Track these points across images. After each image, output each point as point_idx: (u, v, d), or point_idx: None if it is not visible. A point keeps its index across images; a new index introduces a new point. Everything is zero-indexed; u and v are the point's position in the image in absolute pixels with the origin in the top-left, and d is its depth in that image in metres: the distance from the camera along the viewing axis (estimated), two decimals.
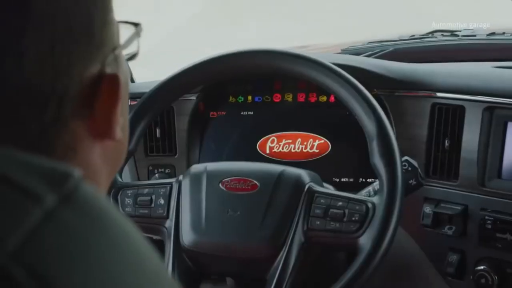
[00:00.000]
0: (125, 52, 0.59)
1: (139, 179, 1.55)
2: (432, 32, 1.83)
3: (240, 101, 1.55)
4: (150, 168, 1.56)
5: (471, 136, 1.31)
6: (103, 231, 0.42)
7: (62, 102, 0.49)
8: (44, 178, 0.41)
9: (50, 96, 0.48)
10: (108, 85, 0.53)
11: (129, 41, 0.59)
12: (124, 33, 0.59)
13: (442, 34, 1.80)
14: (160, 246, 1.24)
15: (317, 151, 1.48)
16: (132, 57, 0.61)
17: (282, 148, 1.50)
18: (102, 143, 0.54)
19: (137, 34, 0.60)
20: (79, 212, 0.41)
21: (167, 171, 1.55)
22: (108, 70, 0.53)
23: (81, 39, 0.50)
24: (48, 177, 0.42)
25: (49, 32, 0.48)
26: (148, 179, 1.55)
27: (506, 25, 1.13)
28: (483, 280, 1.29)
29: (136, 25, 0.60)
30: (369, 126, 1.16)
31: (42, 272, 0.37)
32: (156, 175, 1.55)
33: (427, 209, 1.35)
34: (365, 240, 1.11)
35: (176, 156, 1.54)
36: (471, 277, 1.31)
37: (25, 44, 0.47)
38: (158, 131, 1.53)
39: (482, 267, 1.29)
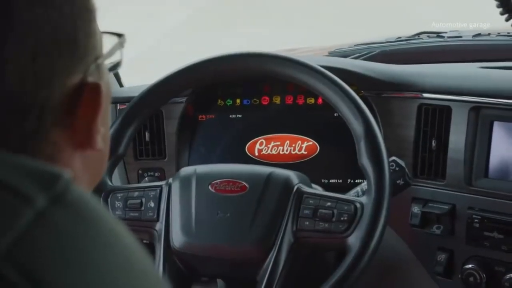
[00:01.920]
0: (108, 61, 0.59)
1: (129, 183, 1.56)
2: (418, 34, 1.85)
3: (228, 104, 1.55)
4: (140, 171, 1.57)
5: (457, 136, 1.32)
6: (94, 231, 0.43)
7: (43, 111, 0.49)
8: (34, 180, 0.42)
9: (31, 105, 0.49)
10: (89, 94, 0.53)
11: (112, 51, 0.59)
12: (108, 43, 0.59)
13: (428, 36, 1.81)
14: (150, 249, 1.25)
15: (306, 153, 1.49)
16: (115, 66, 0.62)
17: (271, 151, 1.51)
18: (83, 152, 0.54)
19: (120, 45, 0.60)
20: (69, 213, 0.42)
21: (156, 174, 1.56)
22: (90, 79, 0.53)
23: (65, 49, 0.50)
24: (39, 179, 0.42)
25: (32, 42, 0.48)
26: (138, 182, 1.55)
27: (506, 25, 1.14)
28: (471, 279, 1.30)
29: (119, 35, 0.61)
30: (357, 127, 1.17)
31: (34, 272, 0.38)
32: (146, 178, 1.55)
33: (415, 209, 1.36)
34: (354, 240, 1.12)
35: (165, 160, 1.55)
36: (459, 276, 1.32)
37: (7, 52, 0.47)
38: (147, 135, 1.54)
39: (470, 266, 1.30)
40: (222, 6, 6.73)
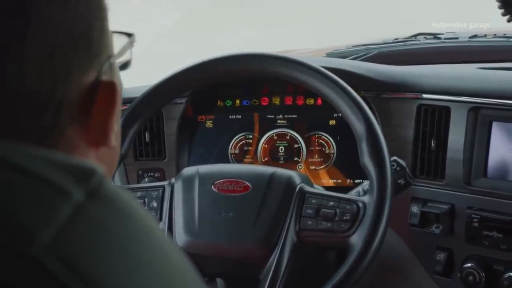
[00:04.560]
0: (118, 61, 0.60)
1: (128, 183, 1.56)
2: (415, 35, 1.86)
3: (228, 105, 1.56)
4: (140, 172, 1.57)
5: (456, 136, 1.33)
6: (128, 223, 0.44)
7: (59, 108, 0.50)
8: (71, 175, 0.43)
9: (48, 102, 0.49)
10: (104, 92, 0.53)
11: (123, 50, 0.60)
12: (116, 43, 0.60)
13: (425, 37, 1.83)
14: None
15: None
16: (125, 65, 0.62)
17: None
18: (97, 150, 0.55)
19: (130, 44, 0.61)
20: (105, 206, 0.43)
21: (156, 175, 1.56)
22: (104, 77, 0.54)
23: (80, 47, 0.51)
24: (74, 173, 0.43)
25: (49, 39, 0.48)
26: (138, 183, 1.55)
27: (506, 26, 1.16)
28: (470, 278, 1.31)
29: (129, 35, 0.62)
30: (358, 127, 1.18)
31: (75, 263, 0.38)
32: (146, 179, 1.56)
33: (415, 208, 1.37)
34: (356, 239, 1.13)
35: (165, 160, 1.55)
36: (459, 275, 1.33)
37: (25, 50, 0.47)
38: (147, 135, 1.54)
39: (469, 265, 1.31)
40: (217, 7, 6.73)
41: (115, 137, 0.56)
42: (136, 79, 1.58)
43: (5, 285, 0.37)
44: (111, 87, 0.54)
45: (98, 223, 0.42)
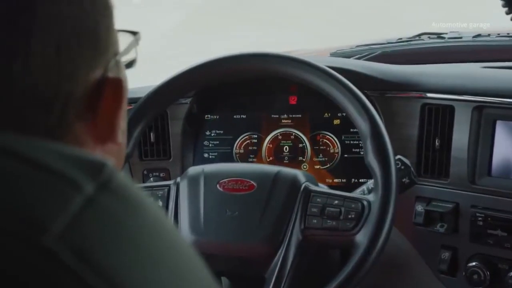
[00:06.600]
0: (124, 59, 0.60)
1: None
2: (419, 35, 1.86)
3: (232, 104, 1.56)
4: (145, 172, 1.58)
5: (461, 135, 1.33)
6: (139, 215, 0.44)
7: (66, 105, 0.50)
8: (81, 167, 0.43)
9: (55, 98, 0.49)
10: (111, 88, 0.54)
11: (129, 48, 0.60)
12: (122, 41, 0.60)
13: (429, 37, 1.83)
14: None
15: None
16: (130, 64, 0.63)
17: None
18: (104, 146, 0.55)
19: (136, 42, 0.62)
20: (116, 198, 0.43)
21: (161, 175, 1.57)
22: (111, 74, 0.54)
23: (87, 44, 0.51)
24: (85, 166, 0.43)
25: (56, 36, 0.49)
26: (143, 183, 1.56)
27: (509, 26, 1.16)
28: (475, 276, 1.31)
29: (134, 33, 0.62)
30: (363, 126, 1.18)
31: (86, 253, 0.39)
32: (151, 179, 1.56)
33: (419, 207, 1.37)
34: (361, 237, 1.13)
35: (170, 160, 1.56)
36: (463, 273, 1.34)
37: (32, 46, 0.48)
38: (152, 135, 1.55)
39: (474, 264, 1.32)
40: (216, 7, 6.73)
41: (121, 134, 0.57)
42: (142, 79, 1.59)
43: (18, 274, 0.37)
44: (118, 84, 0.55)
45: (109, 215, 0.42)
